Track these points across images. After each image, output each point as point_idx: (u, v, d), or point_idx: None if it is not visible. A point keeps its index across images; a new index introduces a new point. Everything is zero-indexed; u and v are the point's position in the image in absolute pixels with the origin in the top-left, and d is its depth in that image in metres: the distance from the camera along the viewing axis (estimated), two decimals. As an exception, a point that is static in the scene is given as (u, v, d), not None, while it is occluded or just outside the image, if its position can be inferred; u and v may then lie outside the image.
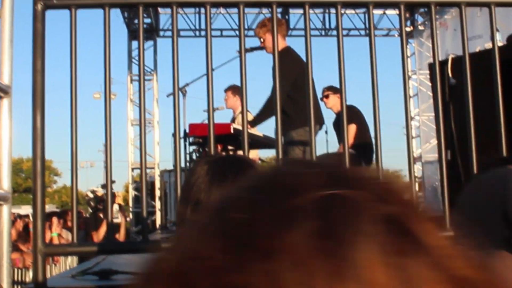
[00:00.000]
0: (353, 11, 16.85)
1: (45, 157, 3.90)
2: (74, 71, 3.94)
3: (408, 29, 16.65)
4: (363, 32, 17.66)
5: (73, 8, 3.94)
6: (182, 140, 6.92)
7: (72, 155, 3.96)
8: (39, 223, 3.83)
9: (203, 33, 17.31)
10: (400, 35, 4.27)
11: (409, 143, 4.26)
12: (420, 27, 17.56)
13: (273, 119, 6.79)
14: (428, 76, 16.14)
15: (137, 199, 17.00)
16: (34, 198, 3.81)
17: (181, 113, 5.73)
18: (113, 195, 11.96)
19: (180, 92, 4.61)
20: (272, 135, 8.30)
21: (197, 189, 1.96)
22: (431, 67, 4.92)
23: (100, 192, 12.18)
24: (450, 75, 5.28)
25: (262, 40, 6.79)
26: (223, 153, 7.63)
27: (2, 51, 3.73)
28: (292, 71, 6.22)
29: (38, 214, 3.82)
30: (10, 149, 3.82)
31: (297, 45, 7.01)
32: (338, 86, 8.67)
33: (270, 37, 6.50)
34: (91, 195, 12.07)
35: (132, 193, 17.18)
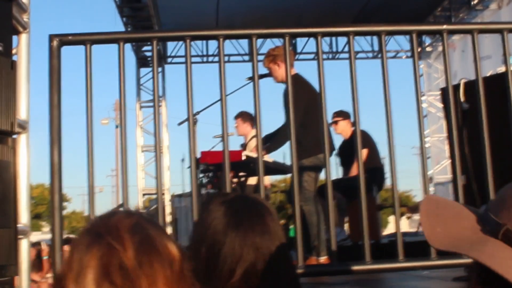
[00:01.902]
0: (360, 34, 16.82)
1: (62, 192, 3.91)
2: (90, 106, 3.97)
3: (415, 50, 16.67)
4: (370, 55, 17.67)
5: (88, 44, 3.97)
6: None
7: (90, 194, 3.97)
8: (57, 257, 3.83)
9: (210, 59, 17.42)
10: (413, 63, 4.28)
11: (424, 166, 4.26)
12: (428, 49, 17.56)
13: (285, 146, 6.83)
14: (438, 98, 16.15)
15: (147, 225, 16.96)
16: (52, 233, 3.83)
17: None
18: None
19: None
20: (282, 161, 8.30)
21: (214, 230, 1.99)
22: (444, 92, 4.93)
23: None
24: (462, 99, 5.27)
25: (269, 70, 6.80)
26: (237, 190, 7.61)
27: (19, 87, 3.76)
28: (302, 99, 6.21)
29: (57, 249, 3.82)
30: (28, 184, 3.85)
31: (305, 69, 7.04)
32: (347, 109, 8.71)
33: (275, 67, 6.55)
34: None
35: (142, 219, 17.15)
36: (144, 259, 1.36)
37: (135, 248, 1.37)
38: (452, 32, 4.36)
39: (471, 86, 4.91)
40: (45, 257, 11.04)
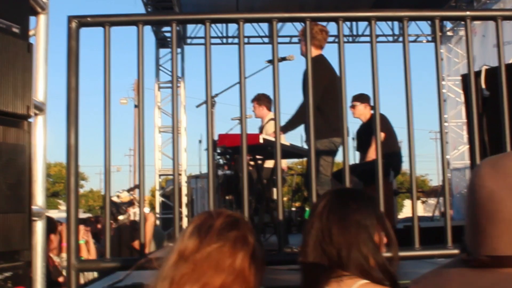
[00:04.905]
0: (380, 17, 16.69)
1: (78, 175, 3.90)
2: (108, 89, 3.94)
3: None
4: (390, 38, 17.54)
5: (107, 26, 3.94)
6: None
7: (106, 183, 3.96)
8: (72, 239, 3.83)
9: (229, 40, 17.37)
10: (435, 48, 4.21)
11: (443, 153, 4.21)
12: (449, 33, 17.40)
13: (301, 127, 6.81)
14: (457, 83, 16.00)
15: (164, 205, 17.04)
16: (68, 215, 3.82)
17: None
18: (134, 202, 11.90)
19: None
20: (298, 144, 8.26)
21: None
22: (465, 79, 4.86)
23: (122, 197, 12.12)
24: (483, 86, 5.20)
25: (300, 40, 6.90)
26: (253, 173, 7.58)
27: (36, 69, 3.74)
28: (321, 81, 6.19)
29: (72, 230, 3.82)
30: (44, 166, 3.84)
31: (324, 51, 7.01)
32: (365, 92, 8.65)
33: (303, 42, 6.56)
34: (116, 199, 12.01)
35: (159, 199, 17.23)
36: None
37: None
38: (476, 19, 4.29)
39: (492, 73, 4.84)
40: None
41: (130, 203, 11.76)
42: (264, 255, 2.15)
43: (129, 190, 12.73)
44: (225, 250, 1.98)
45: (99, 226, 12.76)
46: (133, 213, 11.49)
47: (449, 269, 1.43)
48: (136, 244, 10.77)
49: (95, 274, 9.25)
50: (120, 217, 11.40)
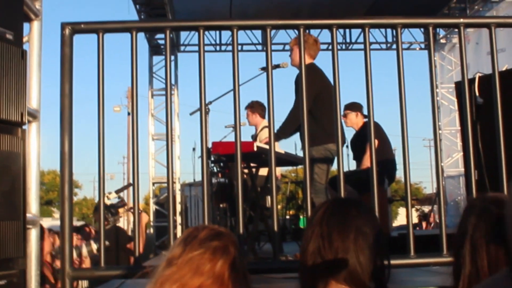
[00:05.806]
0: (373, 25, 16.72)
1: (72, 182, 3.88)
2: (102, 96, 3.93)
3: (429, 42, 16.54)
4: (384, 46, 17.56)
5: (100, 32, 3.93)
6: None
7: (100, 190, 3.95)
8: (66, 247, 3.81)
9: (223, 48, 17.37)
10: (429, 56, 4.22)
11: (437, 161, 4.21)
12: (442, 41, 17.43)
13: (295, 135, 6.79)
14: (450, 90, 16.03)
15: (158, 214, 17.00)
16: (62, 223, 3.80)
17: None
18: (124, 203, 11.83)
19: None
20: (292, 151, 8.25)
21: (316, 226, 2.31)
22: (458, 86, 4.86)
23: (111, 198, 12.04)
24: (477, 94, 5.21)
25: (291, 50, 6.89)
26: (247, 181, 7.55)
27: (30, 76, 3.74)
28: (314, 87, 6.18)
29: (66, 239, 3.80)
30: (38, 174, 3.83)
31: (318, 59, 7.03)
32: (358, 100, 8.65)
33: (296, 50, 6.55)
34: (106, 201, 11.89)
35: (153, 207, 17.20)
36: None
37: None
38: (469, 26, 4.30)
39: (486, 80, 4.84)
40: None
41: (120, 205, 11.70)
42: (246, 267, 2.34)
43: (117, 191, 12.67)
44: (206, 257, 2.20)
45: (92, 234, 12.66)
46: (126, 214, 11.41)
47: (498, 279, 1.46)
48: (131, 247, 10.63)
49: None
50: (111, 218, 11.29)
